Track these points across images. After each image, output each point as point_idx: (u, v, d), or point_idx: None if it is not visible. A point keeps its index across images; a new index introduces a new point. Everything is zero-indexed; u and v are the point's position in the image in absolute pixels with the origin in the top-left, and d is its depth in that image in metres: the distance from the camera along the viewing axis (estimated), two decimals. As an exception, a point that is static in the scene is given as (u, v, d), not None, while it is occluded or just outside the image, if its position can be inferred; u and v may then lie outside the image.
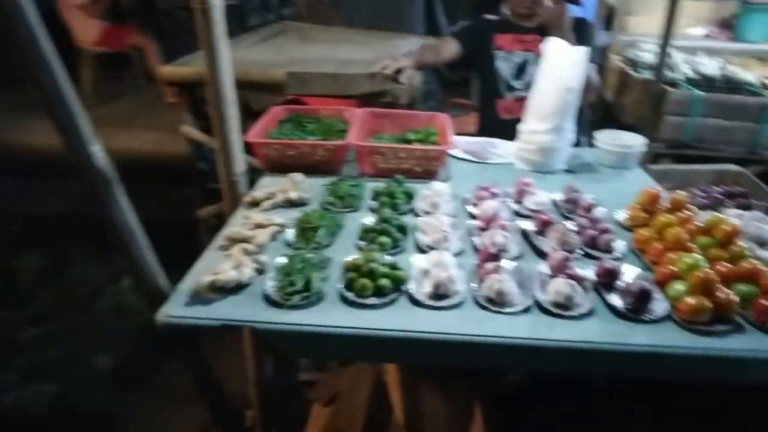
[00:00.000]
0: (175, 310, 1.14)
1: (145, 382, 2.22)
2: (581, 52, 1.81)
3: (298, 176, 1.69)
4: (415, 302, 1.15)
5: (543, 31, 2.36)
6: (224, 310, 1.14)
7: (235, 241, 1.37)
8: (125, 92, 4.87)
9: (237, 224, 1.47)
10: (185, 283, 1.22)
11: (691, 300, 1.06)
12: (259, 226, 1.45)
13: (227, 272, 1.20)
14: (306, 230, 1.41)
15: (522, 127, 1.92)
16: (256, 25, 4.57)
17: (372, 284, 1.17)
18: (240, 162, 1.74)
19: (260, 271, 1.26)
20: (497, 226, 1.38)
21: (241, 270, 1.23)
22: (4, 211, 2.98)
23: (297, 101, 2.74)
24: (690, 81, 2.98)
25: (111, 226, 1.10)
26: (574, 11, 2.37)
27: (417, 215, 1.52)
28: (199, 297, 1.17)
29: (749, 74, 3.09)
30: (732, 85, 2.90)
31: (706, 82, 2.95)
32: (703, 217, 1.39)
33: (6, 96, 4.03)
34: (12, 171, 3.12)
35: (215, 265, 1.24)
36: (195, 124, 2.39)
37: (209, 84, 1.65)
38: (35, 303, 2.60)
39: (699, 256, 1.16)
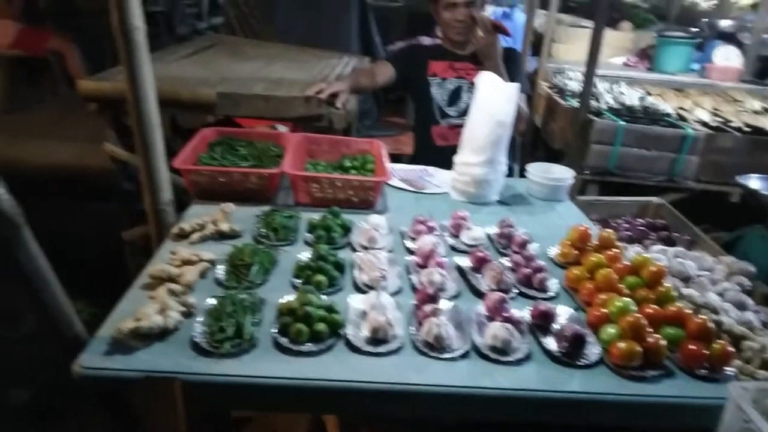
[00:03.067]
0: (93, 360, 1.05)
1: (64, 419, 2.05)
2: (513, 88, 1.85)
3: (229, 206, 1.62)
4: (353, 348, 1.12)
5: (476, 59, 2.41)
6: (149, 360, 1.06)
7: (160, 279, 1.29)
8: (43, 99, 4.56)
9: (162, 260, 1.38)
10: (105, 328, 1.13)
11: (622, 345, 1.09)
12: (187, 262, 1.37)
13: (151, 317, 1.12)
14: (238, 267, 1.35)
15: (456, 159, 1.94)
16: (185, 34, 4.41)
17: (308, 329, 1.13)
18: (167, 190, 1.65)
19: (188, 314, 1.19)
20: (434, 264, 1.37)
21: (166, 314, 1.15)
22: None
23: (228, 119, 2.65)
24: (612, 110, 3.12)
25: (21, 272, 1.00)
26: (504, 41, 2.43)
27: (354, 250, 1.49)
28: (120, 345, 1.09)
29: (667, 105, 3.29)
30: (651, 115, 3.06)
31: (627, 112, 3.10)
32: (630, 254, 1.45)
33: None
34: None
35: (138, 307, 1.16)
36: (119, 142, 2.25)
37: (131, 108, 1.56)
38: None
39: (628, 300, 1.20)
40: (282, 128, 3.17)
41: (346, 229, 1.59)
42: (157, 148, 1.58)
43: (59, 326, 1.11)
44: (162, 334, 1.13)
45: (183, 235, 1.52)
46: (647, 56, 4.68)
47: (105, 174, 2.85)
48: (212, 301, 1.21)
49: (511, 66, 2.36)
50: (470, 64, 2.45)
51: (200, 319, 1.16)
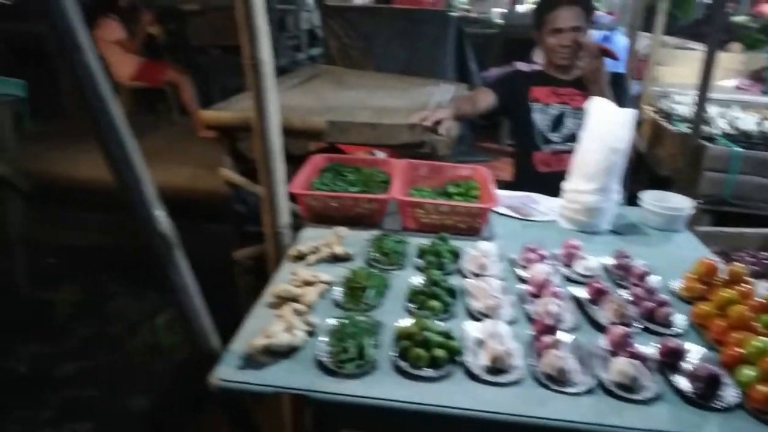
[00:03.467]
0: (228, 373, 1.12)
1: (182, 427, 2.19)
2: (629, 114, 1.81)
3: (343, 230, 1.68)
4: (473, 376, 1.12)
5: (580, 85, 2.37)
6: (278, 376, 1.12)
7: (284, 299, 1.36)
8: (159, 126, 4.97)
9: (284, 281, 1.46)
10: (236, 344, 1.20)
11: (764, 388, 1.02)
12: (307, 283, 1.44)
13: (280, 335, 1.19)
14: (354, 290, 1.40)
15: (566, 186, 1.90)
16: (286, 66, 4.66)
17: (427, 354, 1.15)
18: (285, 214, 1.74)
19: (311, 333, 1.24)
20: (550, 294, 1.35)
21: (293, 333, 1.21)
22: (41, 242, 3.01)
23: (331, 146, 2.76)
24: (727, 136, 2.95)
25: (169, 288, 1.10)
26: (610, 65, 2.38)
27: (464, 276, 1.50)
28: (251, 360, 1.15)
29: (787, 130, 3.06)
30: (770, 141, 2.87)
31: (744, 138, 2.92)
32: (761, 291, 1.35)
33: (49, 127, 4.14)
34: (51, 202, 3.16)
35: (265, 325, 1.23)
36: (234, 167, 2.41)
37: (257, 137, 1.67)
38: (71, 337, 2.60)
39: (767, 339, 1.12)
40: (380, 154, 3.25)
41: (455, 255, 1.60)
42: (278, 174, 1.68)
43: (197, 339, 1.19)
44: (288, 351, 1.19)
45: (300, 257, 1.60)
46: (761, 79, 4.39)
47: (216, 196, 3.05)
48: (333, 322, 1.26)
49: (617, 90, 2.30)
50: (574, 89, 2.42)
51: (323, 338, 1.21)
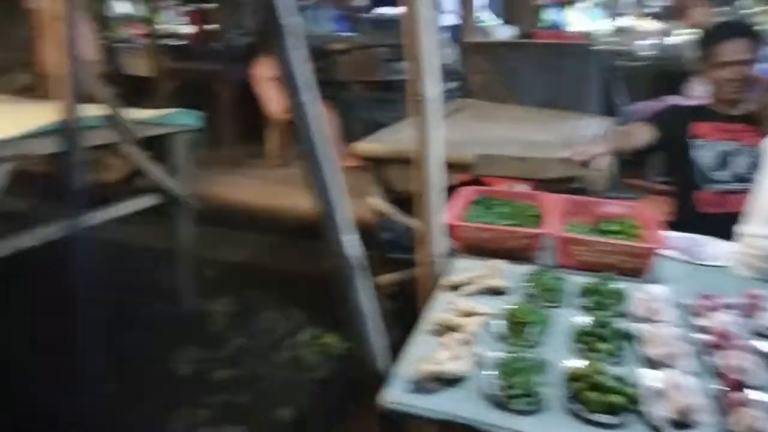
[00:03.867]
0: (397, 396, 1.15)
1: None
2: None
3: (499, 263, 1.68)
4: (654, 428, 1.05)
5: (750, 120, 2.20)
6: (445, 404, 1.13)
7: (445, 328, 1.38)
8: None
9: (441, 309, 1.48)
10: (402, 368, 1.24)
11: None
12: (467, 313, 1.45)
13: (447, 364, 1.21)
14: (517, 325, 1.38)
15: (743, 230, 1.75)
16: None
17: (602, 399, 1.10)
18: (441, 244, 1.77)
19: (475, 365, 1.25)
20: (735, 347, 1.24)
21: (459, 362, 1.23)
22: (202, 257, 3.32)
23: (476, 180, 2.78)
24: None
25: (348, 308, 1.16)
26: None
27: (633, 320, 1.43)
28: (419, 386, 1.18)
29: None
30: None
31: None
32: None
33: (213, 154, 4.61)
34: (212, 221, 3.48)
35: (429, 351, 1.25)
36: (383, 197, 2.51)
37: (419, 169, 1.73)
38: (225, 346, 2.83)
39: None
40: (521, 187, 3.21)
41: (619, 297, 1.53)
42: (437, 205, 1.72)
43: (367, 360, 1.24)
44: (454, 380, 1.20)
45: (455, 287, 1.62)
46: None
47: (360, 224, 3.19)
48: (498, 355, 1.25)
49: None
50: (744, 125, 2.24)
51: (487, 371, 1.21)
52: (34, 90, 4.83)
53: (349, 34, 6.39)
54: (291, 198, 4.19)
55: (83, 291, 3.24)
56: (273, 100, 5.09)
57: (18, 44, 5.29)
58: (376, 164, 2.53)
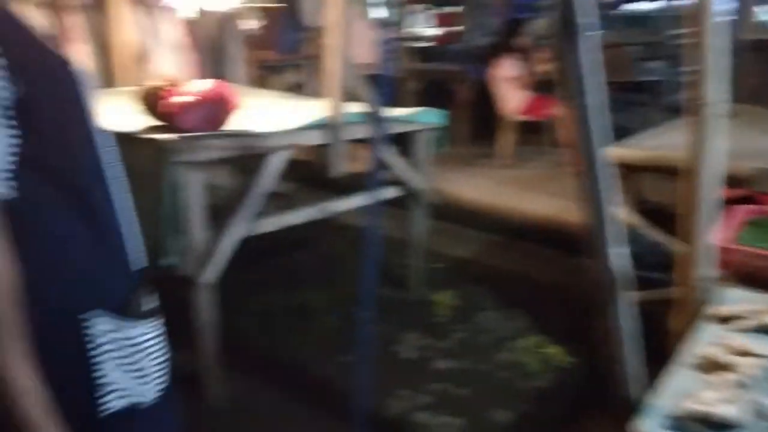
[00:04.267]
0: (655, 430, 1.05)
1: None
2: None
3: (783, 299, 1.42)
4: None
5: None
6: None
7: (713, 365, 1.22)
8: (534, 157, 5.20)
9: (708, 343, 1.30)
10: (660, 399, 1.12)
11: None
12: (741, 352, 1.26)
13: (716, 405, 1.06)
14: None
15: None
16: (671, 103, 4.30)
17: None
18: (707, 268, 1.57)
19: (754, 414, 1.07)
20: None
21: (730, 406, 1.07)
22: (432, 250, 3.46)
23: (752, 198, 2.40)
24: None
25: (606, 324, 1.09)
26: None
27: None
28: (679, 424, 1.06)
29: None
30: None
31: None
32: None
33: (446, 152, 4.78)
34: (441, 216, 3.61)
35: (692, 387, 1.12)
36: (632, 207, 2.31)
37: (688, 182, 1.55)
38: (447, 337, 2.92)
39: None
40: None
41: None
42: (706, 223, 1.52)
43: (619, 381, 1.16)
44: (723, 426, 1.05)
45: (725, 320, 1.41)
46: None
47: (580, 230, 3.02)
48: (785, 409, 1.06)
49: None
50: None
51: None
52: (300, 88, 5.55)
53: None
54: (520, 199, 4.15)
55: (331, 267, 3.65)
56: (509, 100, 5.07)
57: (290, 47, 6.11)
58: (628, 171, 2.34)
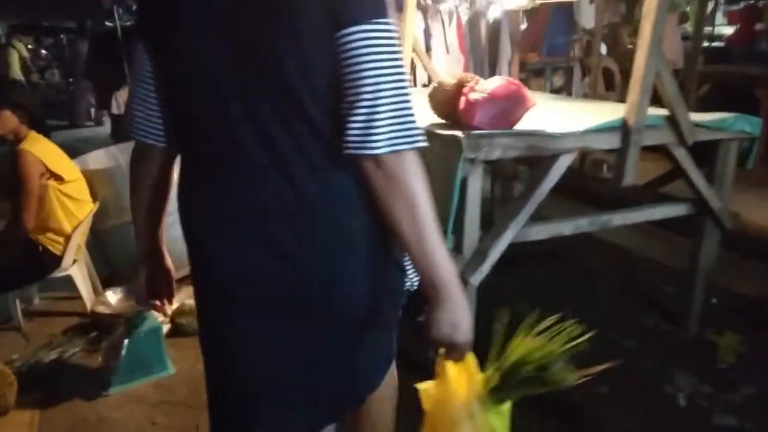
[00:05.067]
0: None
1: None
2: None
3: None
4: None
5: None
6: None
7: None
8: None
9: None
10: None
11: None
12: None
13: None
14: None
15: None
16: None
17: None
18: None
19: None
20: None
21: None
22: (715, 284, 2.98)
23: None
24: None
25: None
26: None
27: None
28: None
29: None
30: None
31: None
32: None
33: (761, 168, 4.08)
34: (732, 246, 3.09)
35: None
36: None
37: None
38: (731, 387, 2.49)
39: None
40: None
41: None
42: None
43: None
44: None
45: None
46: None
47: None
48: None
49: None
50: None
51: None
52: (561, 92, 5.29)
53: None
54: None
55: (589, 285, 3.38)
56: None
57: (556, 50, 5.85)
58: None
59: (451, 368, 1.18)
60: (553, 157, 2.22)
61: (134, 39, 1.18)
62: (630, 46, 7.51)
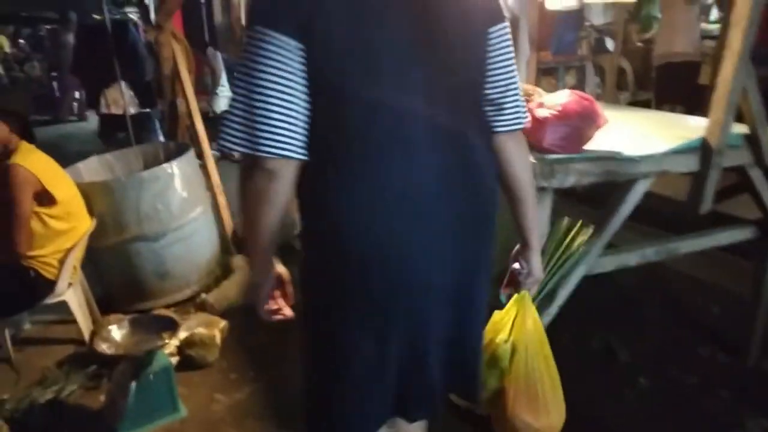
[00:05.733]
0: None
1: None
2: None
3: None
4: None
5: None
6: None
7: None
8: None
9: None
10: None
11: None
12: None
13: None
14: None
15: None
16: None
17: None
18: None
19: None
20: None
21: None
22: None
23: None
24: None
25: None
26: None
27: None
28: None
29: None
30: None
31: None
32: None
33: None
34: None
35: None
36: None
37: None
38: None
39: None
40: None
41: None
42: None
43: None
44: None
45: None
46: None
47: None
48: None
49: None
50: None
51: None
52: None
53: None
54: None
55: (647, 315, 3.09)
56: None
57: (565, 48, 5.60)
58: None
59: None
60: (629, 183, 1.96)
61: (269, 41, 1.05)
62: (639, 44, 7.32)
